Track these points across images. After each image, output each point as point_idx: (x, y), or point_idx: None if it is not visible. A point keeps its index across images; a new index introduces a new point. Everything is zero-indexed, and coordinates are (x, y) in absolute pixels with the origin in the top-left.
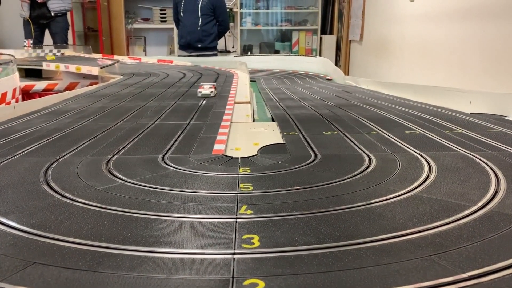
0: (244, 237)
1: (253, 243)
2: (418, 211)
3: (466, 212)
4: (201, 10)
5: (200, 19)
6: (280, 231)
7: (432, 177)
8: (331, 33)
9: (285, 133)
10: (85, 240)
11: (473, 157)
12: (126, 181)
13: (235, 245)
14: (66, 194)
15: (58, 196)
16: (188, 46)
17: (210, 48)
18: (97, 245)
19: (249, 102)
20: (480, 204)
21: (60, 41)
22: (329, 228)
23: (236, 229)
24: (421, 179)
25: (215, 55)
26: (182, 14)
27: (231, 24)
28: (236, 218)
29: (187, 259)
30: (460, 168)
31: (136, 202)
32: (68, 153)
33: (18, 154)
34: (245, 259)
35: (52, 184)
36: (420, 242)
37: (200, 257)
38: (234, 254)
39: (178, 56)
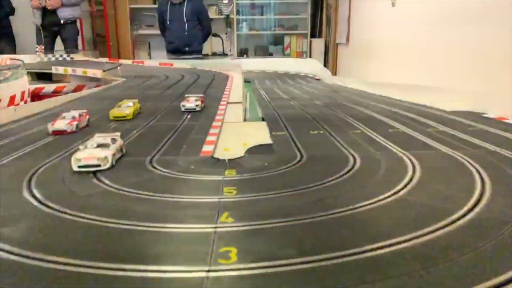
0: (222, 250)
1: (230, 258)
2: (404, 216)
3: (454, 217)
4: (185, 16)
5: (186, 25)
6: (261, 243)
7: (416, 177)
8: (319, 37)
9: (273, 133)
10: (50, 256)
11: (456, 156)
12: (110, 186)
13: (211, 260)
14: (47, 202)
15: (36, 203)
16: (176, 50)
17: (196, 51)
18: (63, 262)
19: (241, 102)
20: (466, 208)
21: (71, 46)
22: (311, 238)
23: (214, 240)
24: (406, 180)
25: (201, 58)
26: (168, 22)
27: (228, 29)
28: (216, 228)
29: (158, 279)
30: (444, 167)
31: (115, 210)
32: (58, 156)
33: (8, 158)
34: (220, 278)
35: (34, 191)
36: (407, 254)
37: (172, 276)
38: (208, 271)
39: (168, 59)
